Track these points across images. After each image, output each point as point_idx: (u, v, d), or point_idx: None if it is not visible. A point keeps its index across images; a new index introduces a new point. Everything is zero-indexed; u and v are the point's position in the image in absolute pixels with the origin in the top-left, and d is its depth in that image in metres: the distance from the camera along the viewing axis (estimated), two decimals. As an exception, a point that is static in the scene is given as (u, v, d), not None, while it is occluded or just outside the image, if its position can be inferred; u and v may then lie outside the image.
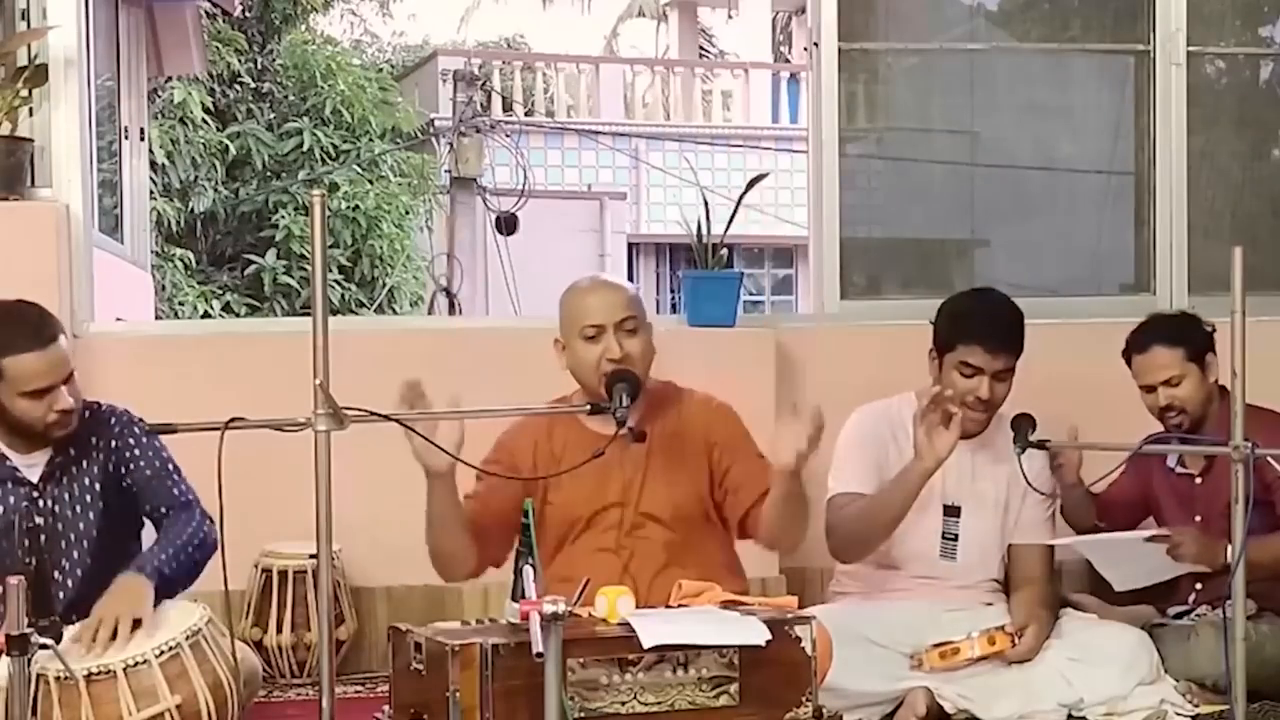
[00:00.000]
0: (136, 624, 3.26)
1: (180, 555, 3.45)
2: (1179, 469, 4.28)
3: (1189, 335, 4.19)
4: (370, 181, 14.78)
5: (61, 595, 3.48)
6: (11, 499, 3.52)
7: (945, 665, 3.83)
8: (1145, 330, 4.25)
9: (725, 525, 3.73)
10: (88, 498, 3.58)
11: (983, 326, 4.01)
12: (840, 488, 4.08)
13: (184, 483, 3.63)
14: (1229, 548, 3.86)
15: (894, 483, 3.93)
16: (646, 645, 3.06)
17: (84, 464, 3.58)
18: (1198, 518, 4.15)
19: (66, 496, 3.56)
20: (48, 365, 3.46)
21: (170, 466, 3.64)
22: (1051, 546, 4.17)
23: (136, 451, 3.62)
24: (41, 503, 3.53)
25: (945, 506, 4.09)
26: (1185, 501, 4.23)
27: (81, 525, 3.56)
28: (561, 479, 3.59)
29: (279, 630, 4.43)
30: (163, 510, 3.59)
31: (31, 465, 3.56)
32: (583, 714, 3.03)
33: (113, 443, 3.61)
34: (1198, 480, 4.22)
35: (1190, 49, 5.47)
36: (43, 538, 3.51)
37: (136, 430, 3.64)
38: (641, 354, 3.63)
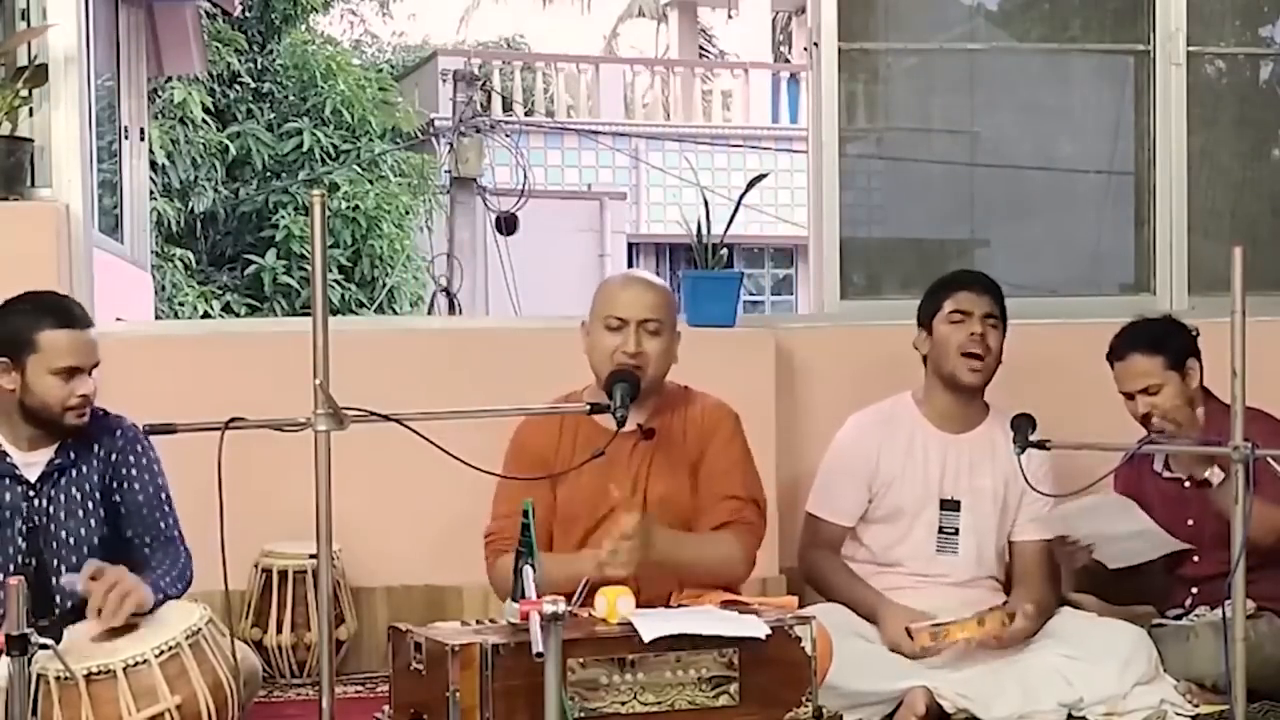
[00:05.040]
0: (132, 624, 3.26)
1: (174, 586, 3.47)
2: (1166, 474, 4.25)
3: (1169, 342, 4.15)
4: (370, 181, 14.78)
5: (57, 599, 3.46)
6: (8, 495, 3.50)
7: (935, 645, 3.83)
8: (1125, 337, 4.20)
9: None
10: (89, 504, 3.55)
11: (964, 275, 4.31)
12: (818, 510, 4.20)
13: (172, 516, 3.63)
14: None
15: (862, 597, 4.01)
16: (647, 639, 3.06)
17: (84, 470, 3.56)
18: (1190, 521, 4.13)
19: (63, 499, 3.54)
20: (81, 344, 3.48)
21: (163, 496, 3.62)
22: (1051, 545, 4.18)
23: (135, 472, 3.60)
24: (37, 502, 3.52)
25: (943, 501, 4.11)
26: (1177, 506, 4.19)
27: (83, 531, 3.54)
28: (570, 477, 3.60)
29: (279, 630, 4.42)
30: (147, 540, 3.58)
31: (31, 464, 3.54)
32: (583, 714, 3.03)
33: (113, 455, 3.59)
34: (1186, 485, 4.20)
35: (1190, 49, 5.46)
36: (40, 538, 3.51)
37: (139, 449, 3.61)
38: (658, 356, 3.65)
